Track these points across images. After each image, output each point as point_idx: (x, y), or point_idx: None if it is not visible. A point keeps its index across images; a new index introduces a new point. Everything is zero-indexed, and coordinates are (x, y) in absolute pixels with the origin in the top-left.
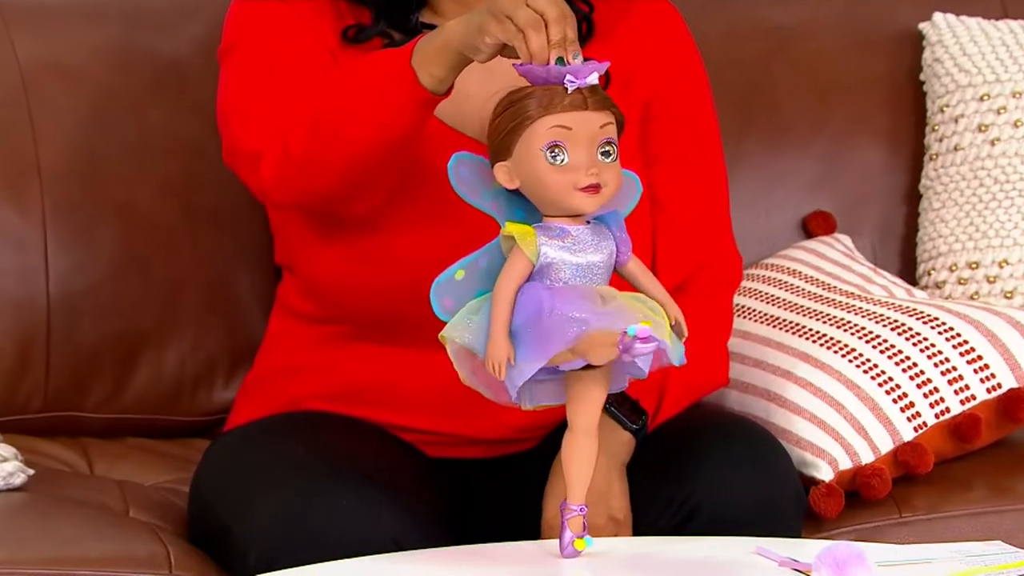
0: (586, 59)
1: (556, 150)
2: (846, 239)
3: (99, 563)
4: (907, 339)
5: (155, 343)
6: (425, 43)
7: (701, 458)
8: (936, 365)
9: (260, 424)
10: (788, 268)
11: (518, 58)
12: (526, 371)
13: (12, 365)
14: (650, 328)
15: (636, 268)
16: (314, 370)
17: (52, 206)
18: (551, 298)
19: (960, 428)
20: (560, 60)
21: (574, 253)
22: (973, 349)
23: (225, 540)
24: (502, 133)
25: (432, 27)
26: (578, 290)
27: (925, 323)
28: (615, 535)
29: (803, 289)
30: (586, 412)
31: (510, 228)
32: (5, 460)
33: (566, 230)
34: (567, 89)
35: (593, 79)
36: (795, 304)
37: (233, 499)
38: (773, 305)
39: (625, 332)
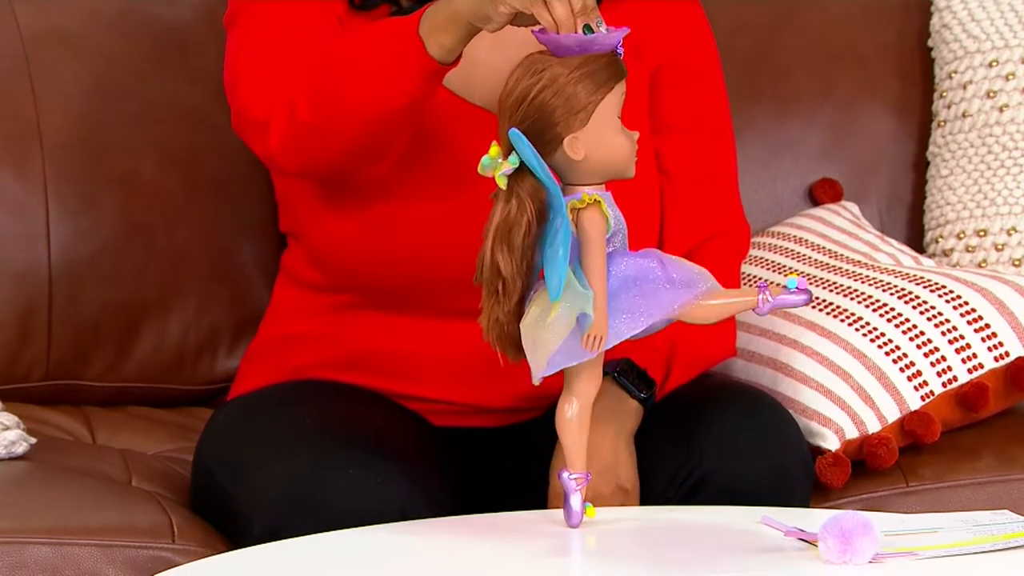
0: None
1: (619, 117)
2: (853, 207)
3: (101, 532)
4: (914, 307)
5: (158, 311)
6: (433, 12)
7: (710, 427)
8: (943, 334)
9: (264, 393)
10: (795, 236)
11: (529, 27)
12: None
13: (14, 334)
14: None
15: None
16: (319, 339)
17: (54, 174)
18: (661, 266)
19: (967, 397)
20: (587, 28)
21: (619, 213)
22: (981, 317)
23: (229, 509)
24: (576, 103)
25: None
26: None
27: (932, 291)
28: (623, 505)
29: (810, 257)
30: (596, 385)
31: (590, 197)
32: (7, 429)
33: (609, 195)
34: (618, 55)
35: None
36: (802, 272)
37: (237, 468)
38: (779, 273)
39: (782, 286)
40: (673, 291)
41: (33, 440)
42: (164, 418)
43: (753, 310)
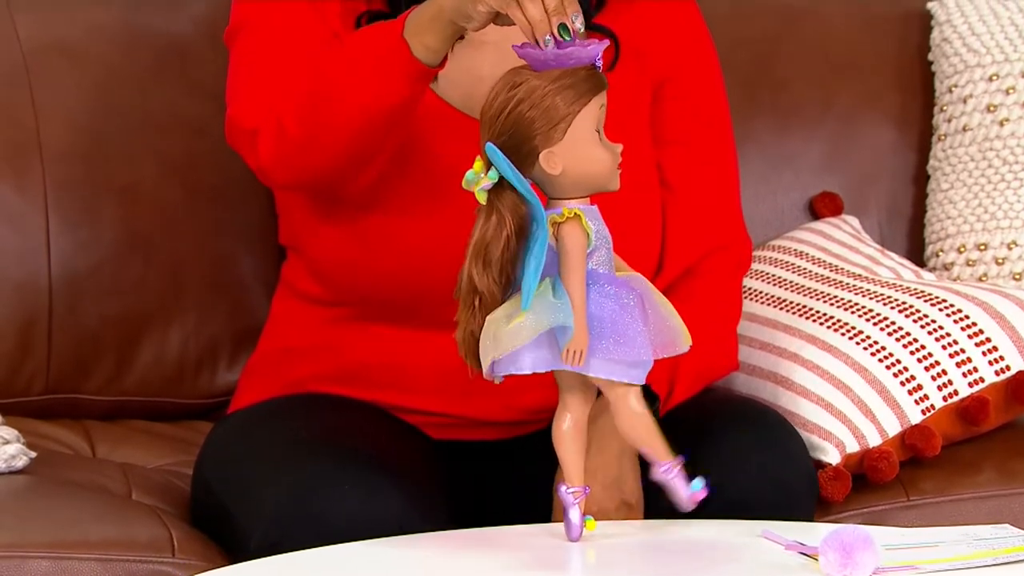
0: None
1: (599, 130)
2: (854, 220)
3: (101, 546)
4: (915, 321)
5: (158, 324)
6: (417, 14)
7: (713, 442)
8: (944, 347)
9: (263, 406)
10: (795, 250)
11: (511, 26)
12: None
13: (14, 347)
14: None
15: None
16: (318, 351)
17: (54, 186)
18: (641, 312)
19: (968, 411)
20: (562, 27)
21: (604, 227)
22: (981, 331)
23: (228, 523)
24: (555, 115)
25: None
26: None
27: (933, 305)
28: (627, 520)
29: (810, 271)
30: (590, 399)
31: (570, 211)
32: (7, 443)
33: (594, 209)
34: (597, 67)
35: (598, 58)
36: (802, 286)
37: (236, 482)
38: (780, 287)
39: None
40: (642, 342)
41: (33, 454)
42: (164, 432)
43: (652, 469)
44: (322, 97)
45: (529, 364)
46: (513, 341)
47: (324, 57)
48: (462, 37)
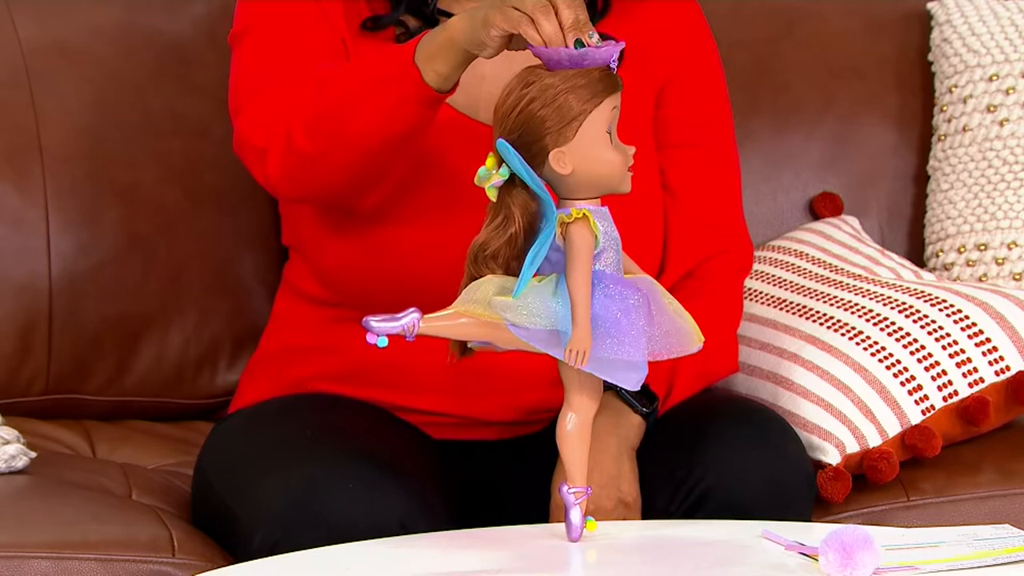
0: (602, 35)
1: (612, 131)
2: (854, 221)
3: (101, 546)
4: (915, 321)
5: (158, 325)
6: (428, 40)
7: (712, 442)
8: (944, 348)
9: (264, 406)
10: (795, 250)
11: (524, 49)
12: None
13: (14, 347)
14: None
15: None
16: (320, 351)
17: (54, 187)
18: (647, 312)
19: (968, 411)
20: (578, 43)
21: (613, 229)
22: (981, 331)
23: (229, 523)
24: (568, 112)
25: (449, 15)
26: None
27: (933, 305)
28: (624, 519)
29: (810, 271)
30: (596, 399)
31: (579, 212)
32: (7, 443)
33: (604, 210)
34: (612, 69)
35: (614, 60)
36: (802, 286)
37: (237, 482)
38: (780, 287)
39: None
40: (644, 344)
41: (33, 454)
42: (164, 432)
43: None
44: (333, 120)
45: (552, 349)
46: (488, 311)
47: (335, 77)
48: None
